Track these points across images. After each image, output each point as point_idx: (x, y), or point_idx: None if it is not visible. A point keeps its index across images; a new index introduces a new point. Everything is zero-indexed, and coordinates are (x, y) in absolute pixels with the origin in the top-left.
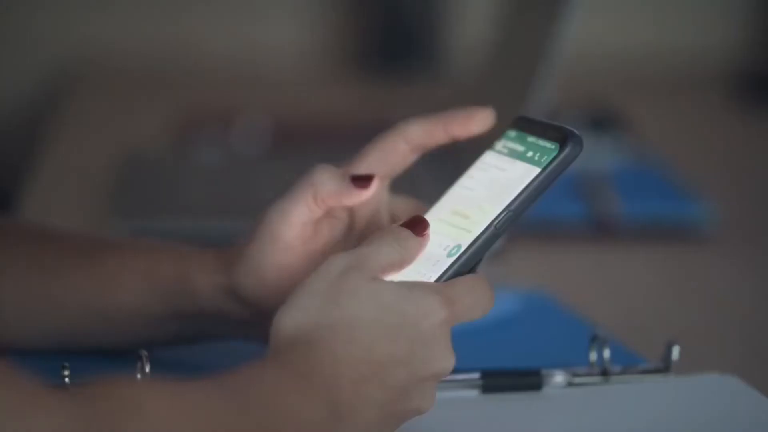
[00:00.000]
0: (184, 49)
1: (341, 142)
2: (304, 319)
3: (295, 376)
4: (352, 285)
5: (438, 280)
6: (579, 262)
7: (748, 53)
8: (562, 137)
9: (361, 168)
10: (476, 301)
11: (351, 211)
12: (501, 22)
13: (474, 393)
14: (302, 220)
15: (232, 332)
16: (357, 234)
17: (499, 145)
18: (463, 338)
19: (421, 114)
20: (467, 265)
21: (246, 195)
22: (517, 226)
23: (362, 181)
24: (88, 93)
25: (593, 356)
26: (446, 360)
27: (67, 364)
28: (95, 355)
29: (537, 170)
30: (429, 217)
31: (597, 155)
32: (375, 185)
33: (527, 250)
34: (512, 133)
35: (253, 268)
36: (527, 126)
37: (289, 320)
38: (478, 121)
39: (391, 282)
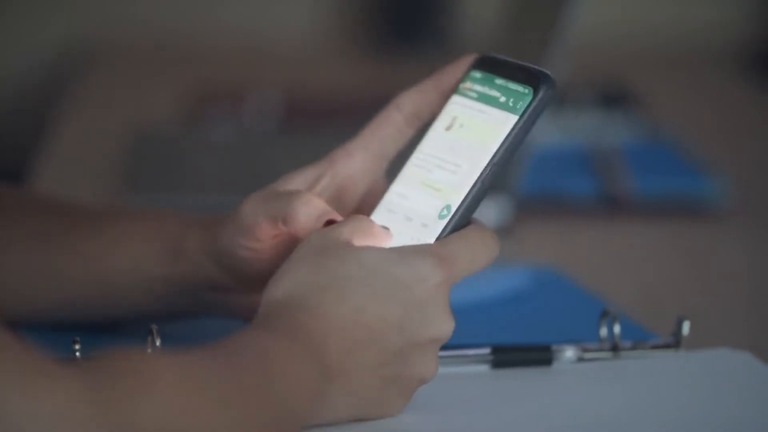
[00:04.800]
0: (196, 25)
1: (352, 119)
2: (291, 284)
3: (284, 339)
4: (337, 249)
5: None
6: (590, 238)
7: (761, 29)
8: (533, 80)
9: (354, 143)
10: (475, 254)
11: (339, 194)
12: None
13: (484, 368)
14: (266, 232)
15: (216, 302)
16: (346, 214)
17: (465, 87)
18: (474, 313)
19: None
20: (460, 224)
21: (257, 171)
22: (529, 201)
23: None
24: (100, 69)
25: (603, 332)
26: (444, 324)
27: (78, 339)
28: (106, 331)
29: (515, 118)
30: (407, 172)
31: (608, 131)
32: None
33: (538, 226)
34: (477, 75)
35: (229, 241)
36: (493, 66)
37: (277, 287)
38: (465, 63)
39: (378, 247)
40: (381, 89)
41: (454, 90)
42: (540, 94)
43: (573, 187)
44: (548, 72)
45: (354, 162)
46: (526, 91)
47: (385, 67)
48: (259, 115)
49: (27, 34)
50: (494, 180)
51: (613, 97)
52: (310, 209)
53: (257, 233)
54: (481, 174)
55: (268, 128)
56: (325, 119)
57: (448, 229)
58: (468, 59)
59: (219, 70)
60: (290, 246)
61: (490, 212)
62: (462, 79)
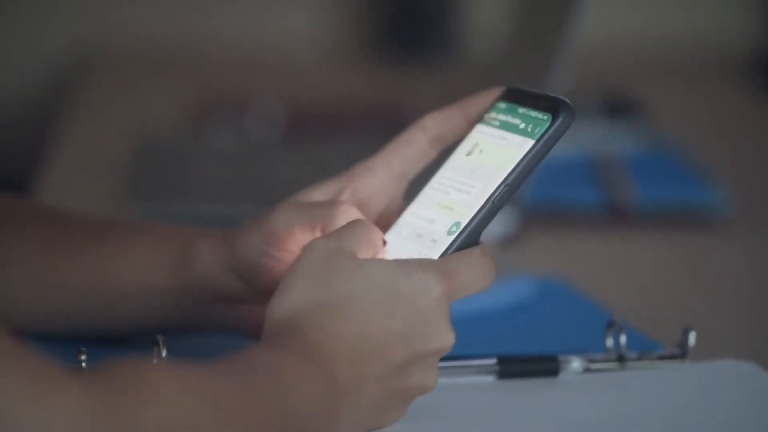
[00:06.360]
0: (199, 34)
1: (355, 128)
2: (297, 301)
3: (293, 357)
4: (340, 265)
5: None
6: (594, 248)
7: (765, 38)
8: (553, 107)
9: (376, 160)
10: (476, 274)
11: (358, 209)
12: (516, 7)
13: (490, 378)
14: (299, 240)
15: (223, 316)
16: None
17: (490, 117)
18: (479, 324)
19: (437, 99)
20: (468, 242)
21: (260, 180)
22: (533, 211)
23: None
24: (103, 78)
25: (610, 342)
26: (445, 336)
27: (83, 349)
28: (111, 341)
29: (531, 142)
30: (426, 194)
31: (613, 141)
32: None
33: (542, 236)
34: (503, 105)
35: (252, 249)
36: (517, 97)
37: (283, 303)
38: (493, 94)
39: (383, 260)
40: (385, 98)
41: (480, 119)
42: (558, 121)
43: (577, 197)
44: (568, 100)
45: (375, 179)
46: (545, 117)
47: (390, 76)
48: (262, 124)
49: (30, 43)
50: (506, 200)
51: (617, 107)
52: (349, 219)
53: (286, 242)
54: (493, 193)
55: (271, 137)
56: (328, 128)
57: (455, 245)
58: (496, 91)
59: (222, 79)
60: None
61: (494, 223)
62: (488, 110)
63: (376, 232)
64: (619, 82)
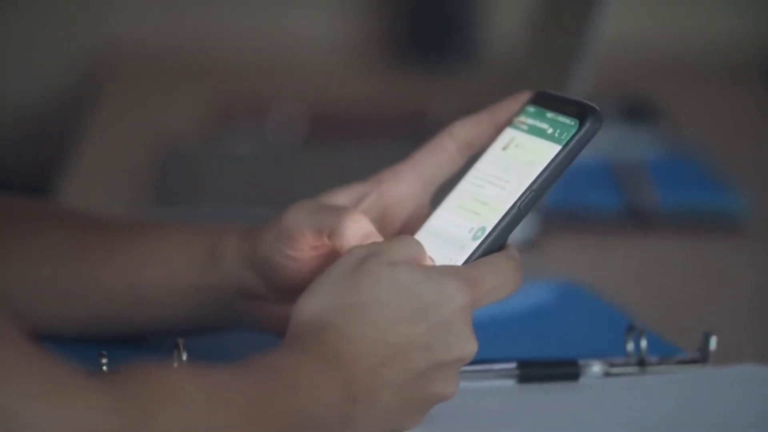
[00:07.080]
0: (219, 38)
1: (376, 132)
2: (322, 303)
3: (312, 359)
4: (372, 269)
5: (465, 264)
6: (615, 252)
7: None
8: (581, 113)
9: (404, 166)
10: (501, 281)
11: (382, 215)
12: (536, 10)
13: (511, 383)
14: (308, 241)
15: (247, 313)
16: (389, 236)
17: (519, 121)
18: (499, 328)
19: (457, 102)
20: (493, 246)
21: (281, 184)
22: (553, 215)
23: None
24: (124, 84)
25: (630, 346)
26: (468, 345)
27: (104, 352)
28: (132, 344)
29: (558, 148)
30: (452, 198)
31: (633, 145)
32: None
33: (563, 240)
34: (531, 109)
35: (269, 246)
36: (546, 101)
37: (308, 305)
38: (522, 99)
39: (410, 266)
40: (406, 102)
41: (509, 123)
42: (585, 127)
43: (598, 201)
44: (596, 106)
45: (402, 185)
46: (573, 123)
47: (411, 80)
48: (282, 129)
49: (51, 51)
50: (532, 206)
51: (638, 111)
52: (358, 228)
53: (298, 242)
54: (519, 199)
55: (292, 141)
56: (349, 133)
57: (480, 251)
58: (525, 95)
59: (243, 84)
60: (329, 259)
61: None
62: (518, 114)
63: (423, 251)
64: (639, 86)
